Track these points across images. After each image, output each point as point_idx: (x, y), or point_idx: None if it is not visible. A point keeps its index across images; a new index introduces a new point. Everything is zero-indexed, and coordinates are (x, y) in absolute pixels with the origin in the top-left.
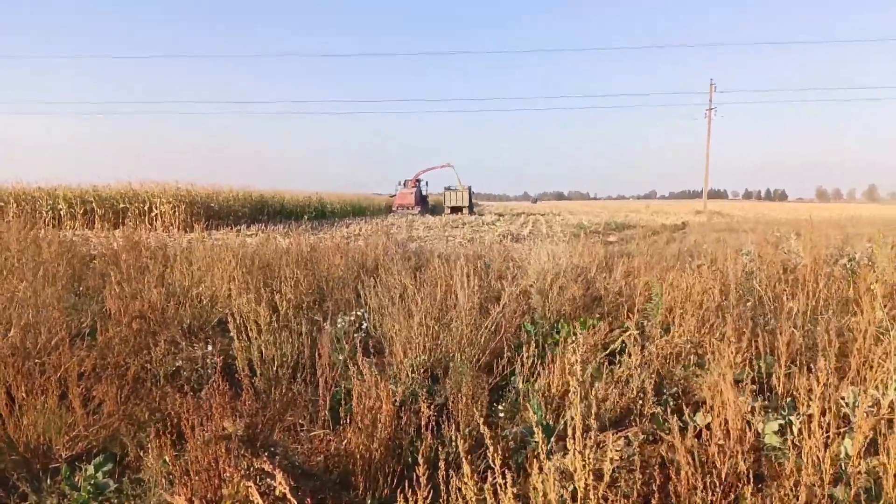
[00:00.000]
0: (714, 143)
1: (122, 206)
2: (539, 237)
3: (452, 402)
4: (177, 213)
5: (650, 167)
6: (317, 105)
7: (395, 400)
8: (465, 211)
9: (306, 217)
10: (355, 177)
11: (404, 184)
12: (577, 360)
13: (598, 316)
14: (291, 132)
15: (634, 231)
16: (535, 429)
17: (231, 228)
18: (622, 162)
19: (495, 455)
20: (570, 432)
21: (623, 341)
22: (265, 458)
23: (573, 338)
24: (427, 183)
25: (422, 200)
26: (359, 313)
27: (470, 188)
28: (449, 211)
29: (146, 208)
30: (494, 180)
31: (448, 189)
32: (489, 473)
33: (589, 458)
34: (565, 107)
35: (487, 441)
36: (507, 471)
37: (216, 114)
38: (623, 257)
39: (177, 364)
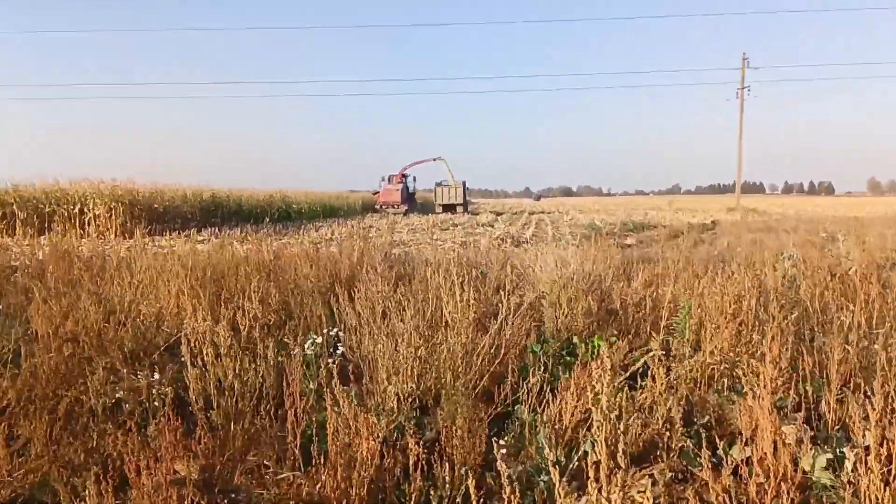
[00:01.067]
0: (748, 128)
1: (48, 208)
2: (544, 240)
3: (446, 436)
4: (114, 216)
5: (673, 157)
6: (275, 86)
7: (378, 435)
8: (459, 209)
9: (268, 219)
10: (326, 172)
11: (389, 179)
12: (603, 385)
13: (615, 333)
14: (249, 119)
15: (656, 232)
16: (552, 470)
17: (179, 233)
18: (641, 152)
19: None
20: (590, 472)
21: (645, 362)
22: None
23: (590, 358)
24: (415, 178)
25: (409, 198)
26: (333, 333)
27: (464, 183)
28: (440, 210)
29: (77, 211)
30: (490, 174)
31: (439, 185)
32: None
33: (615, 503)
34: (572, 87)
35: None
36: None
37: (153, 98)
38: (643, 263)
39: (117, 395)
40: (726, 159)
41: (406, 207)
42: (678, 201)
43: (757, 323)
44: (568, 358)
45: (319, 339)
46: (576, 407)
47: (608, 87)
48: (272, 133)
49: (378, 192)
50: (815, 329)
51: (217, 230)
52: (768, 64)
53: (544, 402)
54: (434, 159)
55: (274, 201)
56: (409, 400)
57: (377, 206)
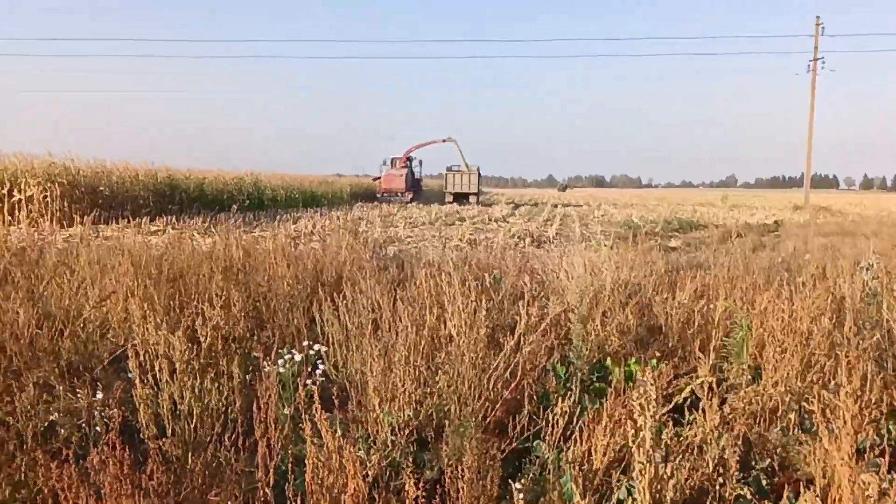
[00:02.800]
0: (821, 109)
1: None
2: (570, 240)
3: (450, 476)
4: (51, 200)
5: (728, 143)
6: (251, 47)
7: (368, 473)
8: (473, 199)
9: (236, 207)
10: (307, 153)
11: (391, 163)
12: (646, 419)
13: (657, 354)
14: (215, 88)
15: (706, 233)
16: None
17: (129, 222)
18: (689, 136)
19: None
20: None
21: (693, 391)
22: None
23: (626, 384)
24: (421, 162)
25: (414, 184)
26: (314, 348)
27: (478, 169)
28: (451, 199)
29: (5, 192)
30: (506, 159)
31: (450, 170)
32: None
33: None
34: (606, 54)
35: None
36: None
37: (101, 57)
38: (691, 270)
39: (51, 418)
40: (793, 147)
41: (411, 195)
42: (734, 196)
43: (831, 347)
44: (598, 384)
45: (298, 356)
46: (608, 445)
47: (650, 55)
48: (241, 106)
49: (379, 178)
50: None
51: (175, 219)
52: (848, 31)
53: (570, 437)
54: (444, 140)
55: (244, 185)
56: (406, 431)
57: (378, 194)
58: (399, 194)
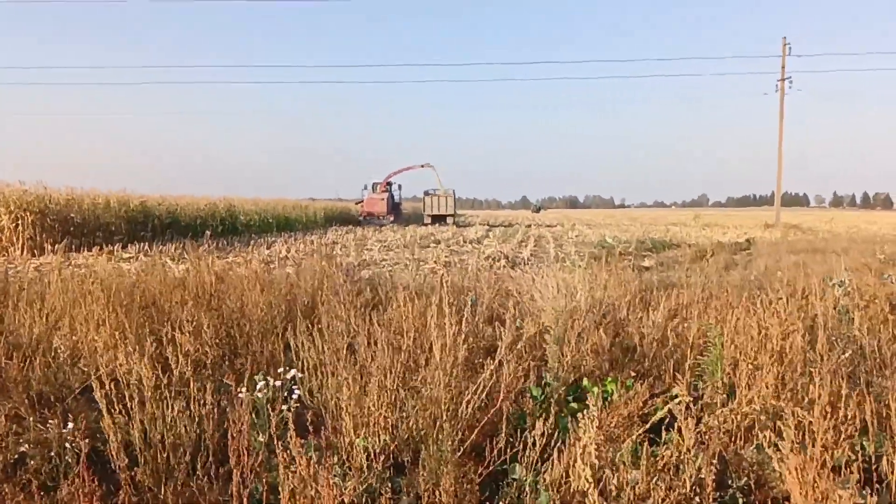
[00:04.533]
0: (790, 128)
1: None
2: (545, 261)
3: (427, 501)
4: (21, 228)
5: (700, 163)
6: (216, 72)
7: (344, 500)
8: (450, 220)
9: (209, 233)
10: (281, 178)
11: (373, 187)
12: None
13: (632, 374)
14: (185, 115)
15: (679, 252)
16: None
17: (100, 249)
18: (660, 156)
19: None
20: None
21: (669, 411)
22: None
23: (603, 404)
24: (400, 186)
25: (395, 207)
26: (289, 374)
27: (454, 192)
28: (429, 220)
29: None
30: (479, 181)
31: (428, 193)
32: None
33: None
34: (576, 76)
35: None
36: None
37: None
38: (665, 290)
39: (20, 449)
40: (763, 165)
41: (392, 218)
42: (706, 215)
43: (804, 365)
44: (575, 404)
45: (272, 381)
46: (584, 465)
47: (618, 77)
48: (216, 131)
49: (361, 202)
50: (873, 371)
51: (148, 245)
52: (813, 50)
53: (548, 458)
54: (422, 166)
55: (217, 211)
56: (382, 456)
57: (360, 217)
58: (380, 217)
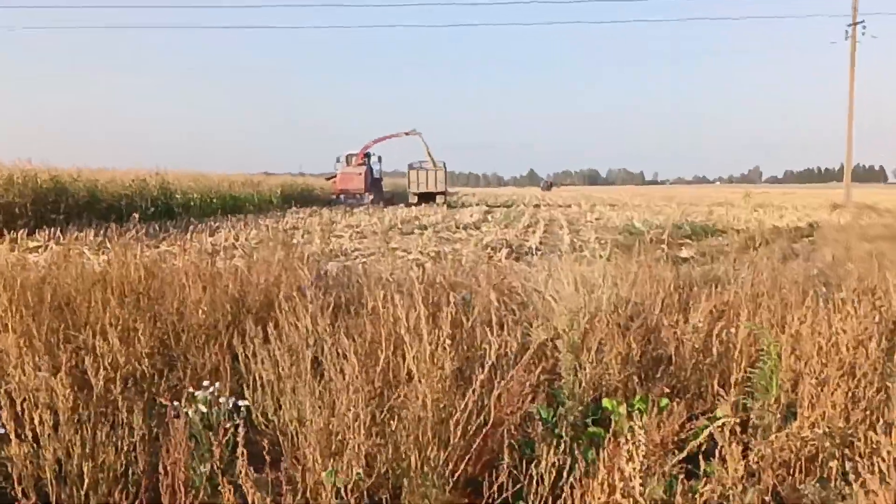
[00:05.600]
0: (862, 86)
1: None
2: (557, 250)
3: None
4: None
5: (751, 131)
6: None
7: None
8: (440, 199)
9: (138, 215)
10: (225, 147)
11: (347, 160)
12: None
13: (666, 390)
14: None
15: (725, 239)
16: None
17: (1, 235)
18: (702, 122)
19: None
20: None
21: (711, 435)
22: None
23: (628, 429)
24: (380, 158)
25: (374, 184)
26: (238, 393)
27: (444, 165)
28: (415, 199)
29: None
30: (477, 154)
31: (414, 167)
32: None
33: None
34: (597, 19)
35: None
36: None
37: None
38: (707, 286)
39: None
40: (829, 134)
41: (371, 196)
42: (759, 193)
43: (880, 377)
44: (594, 428)
45: (217, 399)
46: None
47: (651, 21)
48: (139, 89)
49: (334, 177)
50: None
51: (60, 231)
52: None
53: (560, 496)
54: (407, 133)
55: (147, 188)
56: (356, 494)
57: (334, 195)
58: (357, 195)
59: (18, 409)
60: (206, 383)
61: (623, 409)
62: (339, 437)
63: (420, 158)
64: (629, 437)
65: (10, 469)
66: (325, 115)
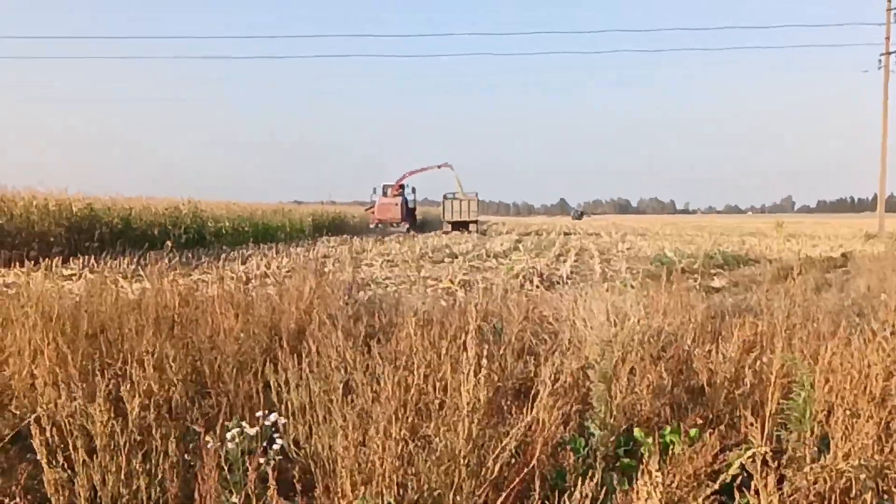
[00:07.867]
0: None
1: None
2: (589, 280)
3: None
4: None
5: (784, 159)
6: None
7: None
8: (473, 227)
9: (171, 243)
10: (265, 179)
11: (384, 191)
12: None
13: (699, 422)
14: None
15: (758, 269)
16: None
17: (35, 264)
18: (734, 151)
19: None
20: None
21: (744, 467)
22: None
23: (661, 459)
24: (414, 189)
25: (409, 213)
26: (270, 419)
27: (476, 195)
28: (449, 228)
29: None
30: (507, 183)
31: (448, 197)
32: None
33: None
34: (628, 49)
35: None
36: None
37: None
38: (739, 316)
39: None
40: (862, 163)
41: (406, 225)
42: (791, 223)
43: None
44: (626, 459)
45: (249, 429)
46: None
47: (682, 50)
48: (173, 122)
49: (372, 208)
50: None
51: (94, 259)
52: None
53: None
54: (439, 166)
55: (180, 217)
56: None
57: (372, 224)
58: (394, 224)
59: (49, 435)
60: (238, 412)
61: (651, 441)
62: (371, 463)
63: (452, 190)
64: (651, 473)
65: (47, 494)
66: (355, 141)
